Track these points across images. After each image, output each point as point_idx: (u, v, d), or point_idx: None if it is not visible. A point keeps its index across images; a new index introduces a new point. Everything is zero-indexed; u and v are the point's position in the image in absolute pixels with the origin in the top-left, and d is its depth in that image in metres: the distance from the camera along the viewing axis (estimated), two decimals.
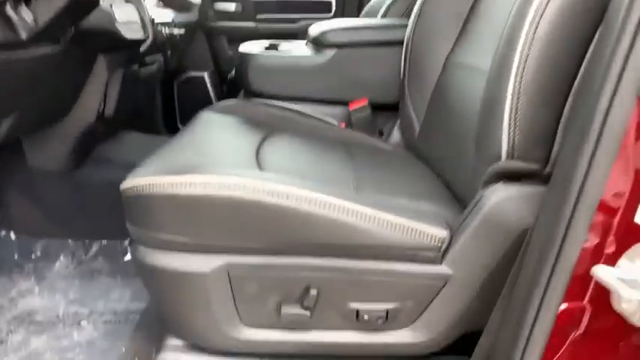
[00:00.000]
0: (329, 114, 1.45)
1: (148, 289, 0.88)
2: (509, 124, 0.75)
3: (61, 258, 1.42)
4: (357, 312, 0.84)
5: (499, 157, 0.77)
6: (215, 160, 0.89)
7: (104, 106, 1.42)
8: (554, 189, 0.64)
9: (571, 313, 0.63)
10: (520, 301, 0.67)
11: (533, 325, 0.64)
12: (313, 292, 0.81)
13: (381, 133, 1.48)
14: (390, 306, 0.84)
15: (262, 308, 0.84)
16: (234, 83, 1.94)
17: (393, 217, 0.79)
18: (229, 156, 0.93)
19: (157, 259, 0.81)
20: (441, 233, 0.80)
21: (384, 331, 0.87)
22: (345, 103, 1.47)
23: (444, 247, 0.80)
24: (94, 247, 1.45)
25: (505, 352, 0.71)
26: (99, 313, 1.21)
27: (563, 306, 0.62)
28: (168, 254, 0.80)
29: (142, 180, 0.78)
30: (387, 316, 0.84)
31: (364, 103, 1.45)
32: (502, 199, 0.76)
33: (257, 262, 0.80)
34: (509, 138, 0.75)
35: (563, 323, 0.63)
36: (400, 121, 1.41)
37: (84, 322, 1.17)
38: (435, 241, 0.79)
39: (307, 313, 0.83)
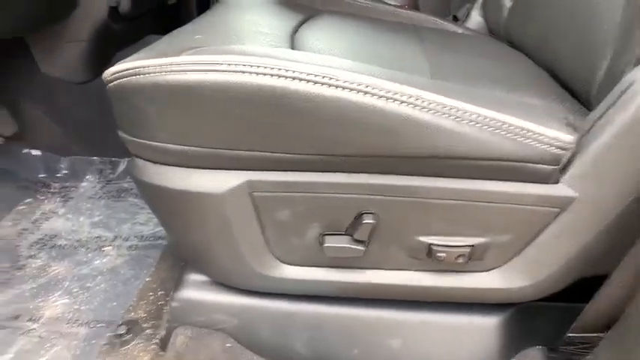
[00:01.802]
0: None
1: (155, 215, 0.69)
2: None
3: (88, 176, 1.29)
4: (430, 248, 0.61)
5: None
6: (228, 40, 0.64)
7: None
8: None
9: None
10: None
11: None
12: (369, 220, 0.59)
13: (455, 19, 1.15)
14: (476, 240, 0.60)
15: (299, 240, 0.62)
16: None
17: (491, 113, 0.52)
18: (252, 37, 0.68)
19: (159, 176, 0.60)
20: (563, 136, 0.53)
21: (465, 272, 0.64)
22: None
23: (566, 157, 0.53)
24: (122, 165, 1.30)
25: None
26: (124, 237, 1.07)
27: None
28: (170, 170, 0.59)
29: (125, 65, 0.55)
30: (470, 254, 0.61)
31: None
32: None
33: (288, 179, 0.57)
34: None
35: None
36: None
37: (107, 248, 1.04)
38: (554, 148, 0.53)
39: (360, 247, 0.61)
